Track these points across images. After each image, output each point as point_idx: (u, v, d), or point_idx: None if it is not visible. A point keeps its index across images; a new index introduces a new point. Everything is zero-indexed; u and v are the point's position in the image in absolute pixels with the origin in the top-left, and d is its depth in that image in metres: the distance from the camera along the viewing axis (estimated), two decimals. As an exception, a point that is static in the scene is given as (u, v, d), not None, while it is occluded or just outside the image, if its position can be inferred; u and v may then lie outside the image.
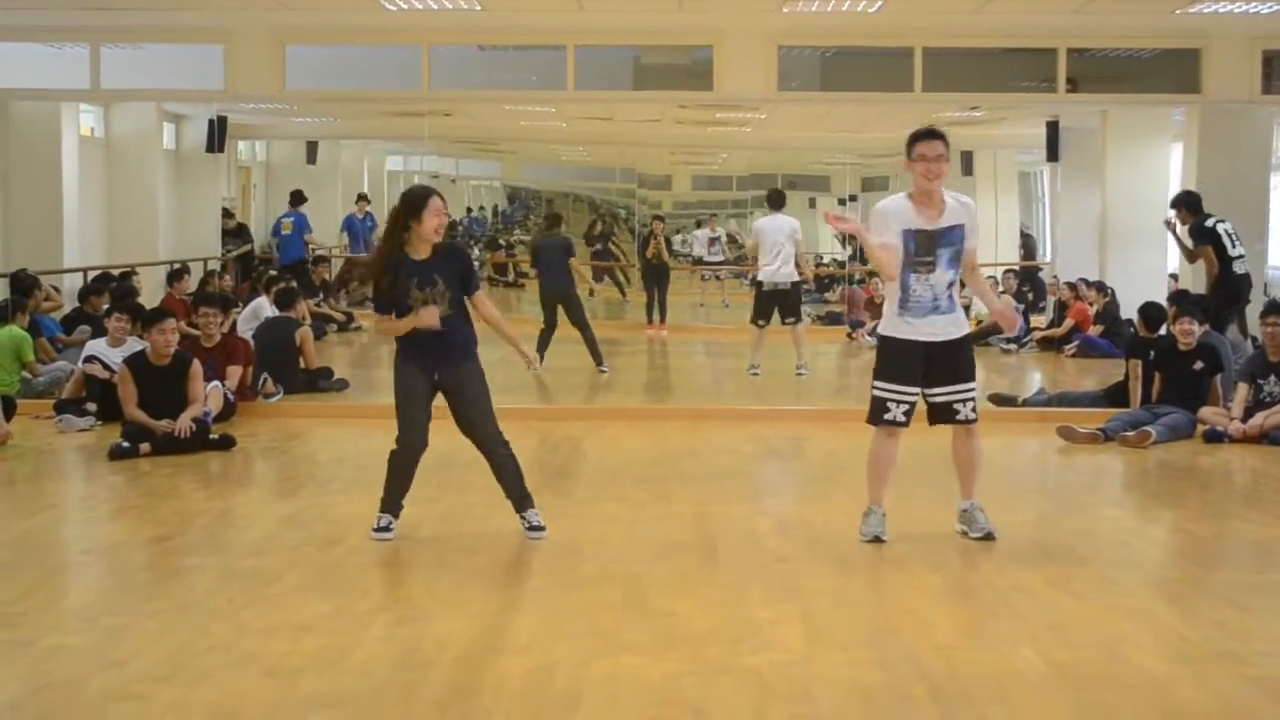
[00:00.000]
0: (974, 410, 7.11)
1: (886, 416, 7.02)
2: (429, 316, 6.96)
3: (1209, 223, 12.60)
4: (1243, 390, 10.76)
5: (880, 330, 7.27)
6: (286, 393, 12.16)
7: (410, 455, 7.18)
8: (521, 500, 7.29)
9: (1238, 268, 12.61)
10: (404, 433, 7.16)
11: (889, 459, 7.14)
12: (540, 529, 7.22)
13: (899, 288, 6.97)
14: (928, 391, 7.08)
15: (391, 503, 7.22)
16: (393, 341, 7.22)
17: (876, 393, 7.06)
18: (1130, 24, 13.26)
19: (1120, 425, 10.56)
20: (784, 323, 14.43)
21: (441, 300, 7.03)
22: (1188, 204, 12.89)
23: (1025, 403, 12.23)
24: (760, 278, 14.39)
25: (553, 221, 15.57)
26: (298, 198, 21.29)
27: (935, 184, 6.87)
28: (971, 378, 7.11)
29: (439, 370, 7.12)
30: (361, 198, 24.23)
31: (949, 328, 6.99)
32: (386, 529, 7.17)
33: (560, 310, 14.56)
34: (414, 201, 6.99)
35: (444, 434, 7.32)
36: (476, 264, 7.27)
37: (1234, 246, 12.58)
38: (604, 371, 14.35)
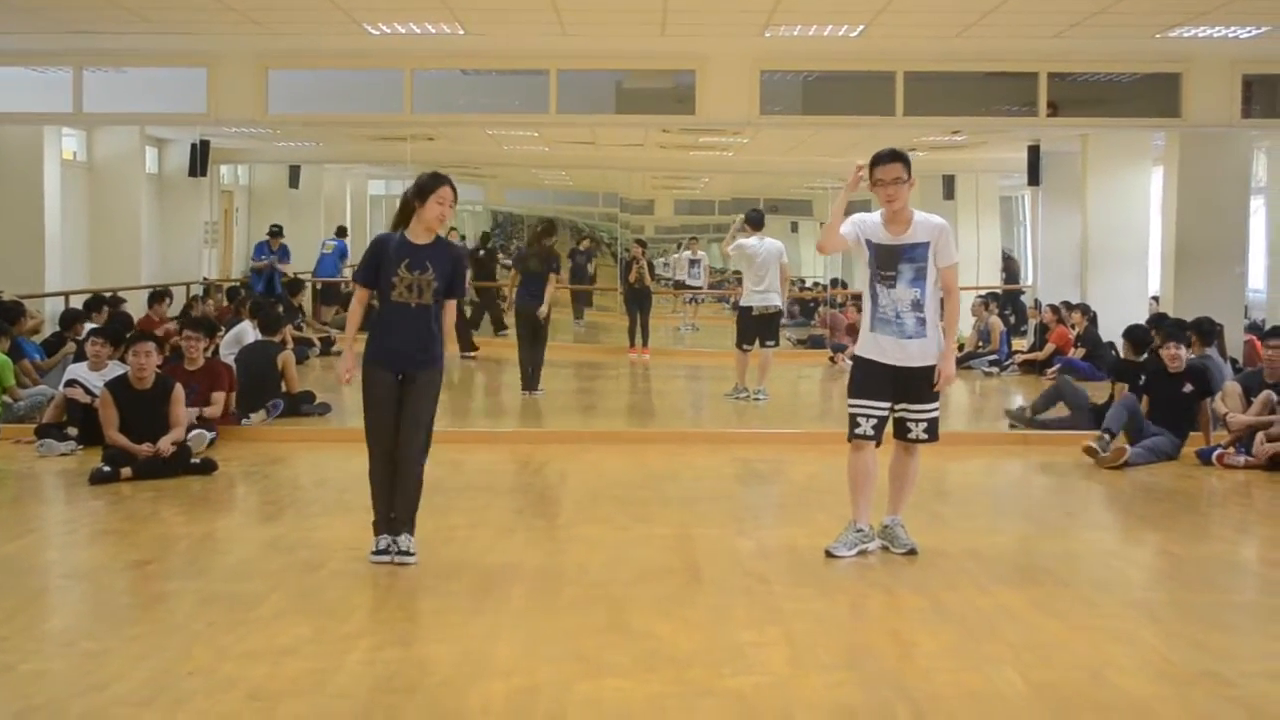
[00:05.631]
0: (925, 432, 7.33)
1: (857, 431, 7.28)
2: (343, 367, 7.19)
3: None
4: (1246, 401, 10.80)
5: (856, 350, 7.42)
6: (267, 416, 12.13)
7: (383, 460, 7.09)
8: (405, 523, 7.11)
9: None
10: (372, 438, 7.11)
11: (862, 472, 7.34)
12: (409, 555, 7.04)
13: (868, 299, 7.23)
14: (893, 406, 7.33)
15: (383, 522, 7.15)
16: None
17: (851, 409, 7.34)
18: (1111, 48, 13.33)
19: (1116, 422, 10.67)
20: (763, 345, 14.16)
21: (426, 289, 7.02)
22: None
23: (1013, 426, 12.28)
24: (748, 302, 14.12)
25: (548, 229, 14.89)
26: (342, 231, 24.09)
27: (895, 205, 7.12)
28: (932, 401, 7.30)
29: (404, 370, 7.07)
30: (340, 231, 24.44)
31: (916, 355, 7.19)
32: (385, 551, 7.10)
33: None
34: (422, 186, 7.05)
35: (429, 460, 7.31)
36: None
37: None
38: (538, 393, 14.33)
